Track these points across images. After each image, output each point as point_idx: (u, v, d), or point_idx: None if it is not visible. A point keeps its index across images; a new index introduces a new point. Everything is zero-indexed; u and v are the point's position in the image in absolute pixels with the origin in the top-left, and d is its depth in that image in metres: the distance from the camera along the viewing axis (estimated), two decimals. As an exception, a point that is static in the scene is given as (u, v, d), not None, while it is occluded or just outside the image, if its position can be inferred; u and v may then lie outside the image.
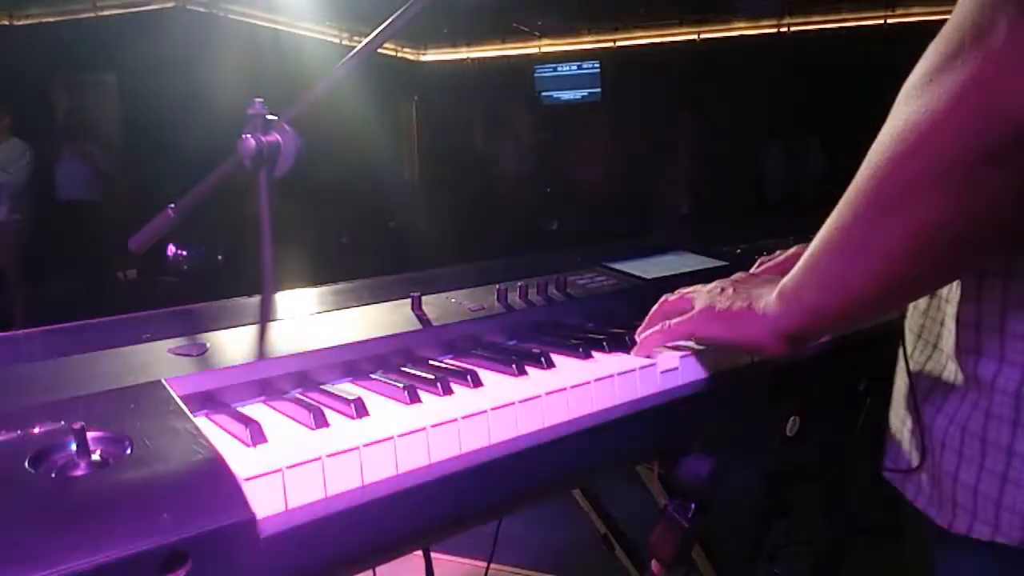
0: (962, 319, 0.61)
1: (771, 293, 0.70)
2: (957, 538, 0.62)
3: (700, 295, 0.79)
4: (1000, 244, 0.59)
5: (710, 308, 0.76)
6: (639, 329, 0.83)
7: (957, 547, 0.63)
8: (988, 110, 0.47)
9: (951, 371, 0.63)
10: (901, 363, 0.71)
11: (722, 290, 0.77)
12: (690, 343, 0.81)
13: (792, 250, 0.88)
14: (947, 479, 0.63)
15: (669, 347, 0.80)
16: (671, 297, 0.83)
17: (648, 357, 0.78)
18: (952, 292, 0.63)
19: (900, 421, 0.70)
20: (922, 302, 0.68)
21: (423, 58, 10.24)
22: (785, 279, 0.68)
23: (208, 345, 0.72)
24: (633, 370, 0.73)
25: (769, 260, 0.88)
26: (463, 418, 0.61)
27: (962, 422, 0.61)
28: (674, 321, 0.78)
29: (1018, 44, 0.46)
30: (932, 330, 0.66)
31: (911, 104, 0.52)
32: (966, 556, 0.63)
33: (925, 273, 0.58)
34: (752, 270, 0.88)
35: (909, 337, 0.70)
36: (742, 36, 8.90)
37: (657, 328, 0.80)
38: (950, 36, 0.50)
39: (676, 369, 0.77)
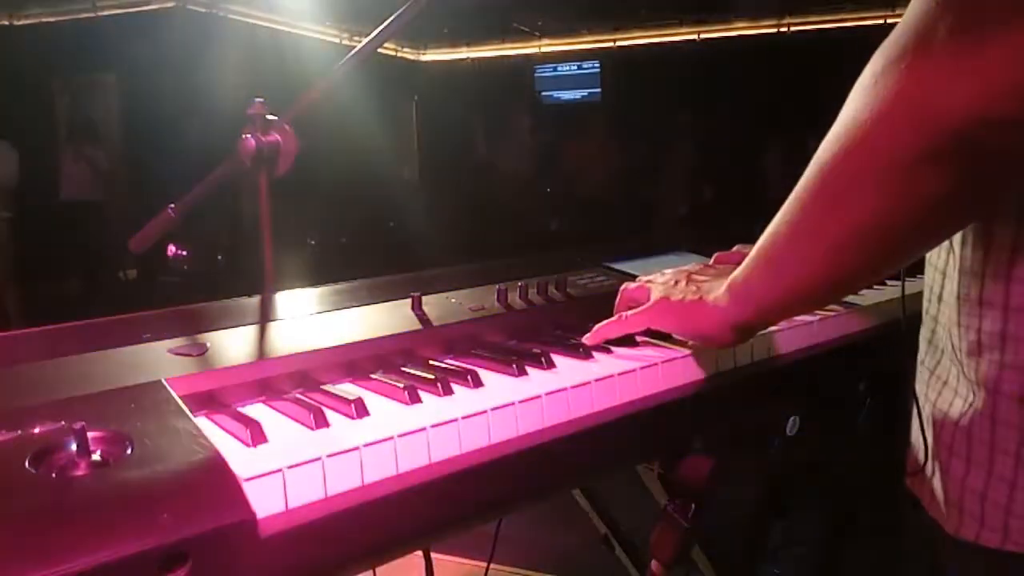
0: (964, 323, 0.61)
1: (722, 286, 0.72)
2: (964, 545, 0.61)
3: (655, 286, 0.81)
4: (946, 236, 0.61)
5: (664, 300, 0.78)
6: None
7: (964, 554, 0.62)
8: (924, 113, 0.49)
9: (955, 376, 0.63)
10: (918, 372, 0.70)
11: (676, 282, 0.80)
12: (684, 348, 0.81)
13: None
14: (955, 485, 0.62)
15: (669, 347, 0.81)
16: (631, 286, 0.86)
17: (608, 350, 0.79)
18: (954, 296, 0.63)
19: (917, 428, 0.70)
20: (931, 308, 0.68)
21: (423, 58, 10.24)
22: (735, 272, 0.70)
23: (208, 345, 0.72)
24: (633, 370, 0.73)
25: (743, 248, 0.90)
26: (463, 418, 0.61)
27: (968, 428, 0.60)
28: (629, 313, 0.80)
29: (954, 52, 0.47)
30: (939, 335, 0.66)
31: (857, 102, 0.53)
32: (973, 563, 0.62)
33: (869, 264, 0.59)
34: (712, 260, 0.90)
35: (922, 345, 0.70)
36: (742, 36, 8.89)
37: (614, 319, 0.81)
38: (897, 39, 0.51)
39: (676, 369, 0.77)
